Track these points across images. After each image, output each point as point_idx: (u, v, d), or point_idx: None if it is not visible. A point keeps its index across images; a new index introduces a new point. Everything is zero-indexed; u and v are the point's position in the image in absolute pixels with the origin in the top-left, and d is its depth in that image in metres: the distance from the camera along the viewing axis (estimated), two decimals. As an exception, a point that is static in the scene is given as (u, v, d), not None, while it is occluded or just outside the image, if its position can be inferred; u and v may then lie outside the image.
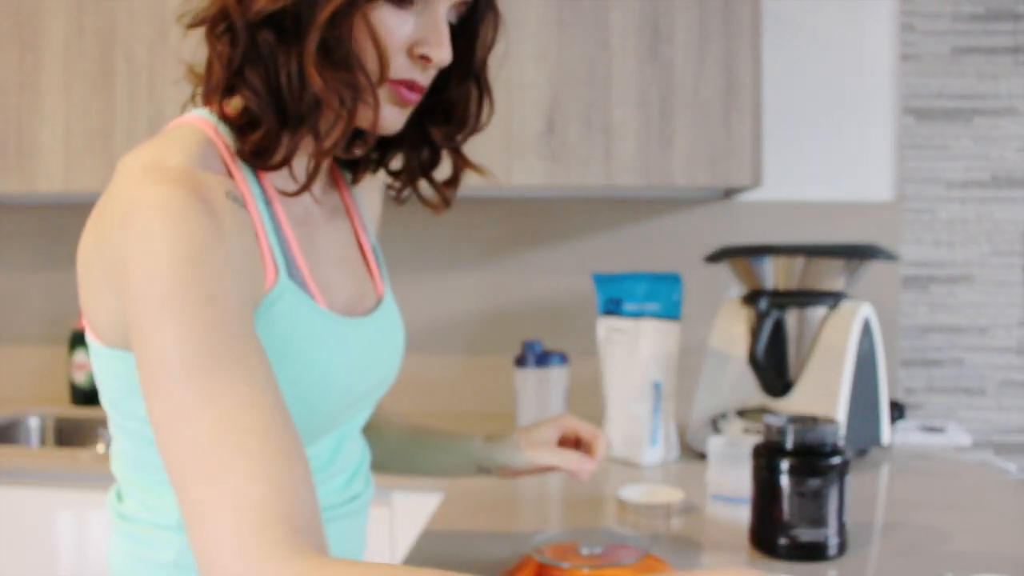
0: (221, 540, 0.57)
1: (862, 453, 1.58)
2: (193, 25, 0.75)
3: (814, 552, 1.00)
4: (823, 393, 1.51)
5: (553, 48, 1.76)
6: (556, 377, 1.64)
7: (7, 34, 1.92)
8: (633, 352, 1.59)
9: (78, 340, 2.18)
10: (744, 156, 1.75)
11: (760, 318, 1.56)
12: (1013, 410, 2.02)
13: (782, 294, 1.59)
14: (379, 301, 0.89)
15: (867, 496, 1.37)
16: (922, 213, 2.02)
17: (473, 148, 1.83)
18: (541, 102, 1.77)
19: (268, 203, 0.76)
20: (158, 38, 1.87)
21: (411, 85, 0.76)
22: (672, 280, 1.60)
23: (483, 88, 0.85)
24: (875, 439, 1.59)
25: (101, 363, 0.76)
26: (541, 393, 1.63)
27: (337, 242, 0.86)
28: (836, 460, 1.00)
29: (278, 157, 0.73)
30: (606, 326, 1.64)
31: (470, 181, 1.87)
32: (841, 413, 1.49)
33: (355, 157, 0.88)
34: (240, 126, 0.74)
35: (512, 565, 0.91)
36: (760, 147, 1.81)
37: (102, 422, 2.10)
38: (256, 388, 0.62)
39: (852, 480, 1.44)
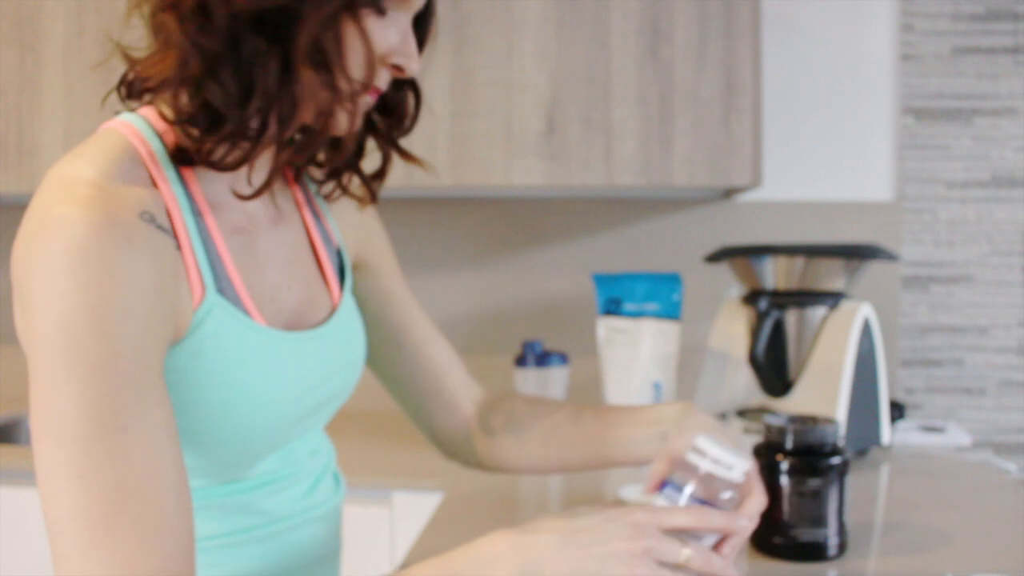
0: None
1: (862, 453, 1.58)
2: (164, 8, 0.70)
3: (814, 552, 1.00)
4: (823, 393, 1.51)
5: (553, 48, 1.76)
6: (556, 377, 1.64)
7: (7, 34, 1.92)
8: (633, 352, 1.59)
9: (78, 340, 2.18)
10: (744, 156, 1.75)
11: (760, 318, 1.56)
12: (1013, 410, 2.01)
13: (782, 294, 1.60)
14: (333, 310, 0.84)
15: (867, 496, 1.37)
16: (922, 213, 2.02)
17: (474, 148, 1.84)
18: (541, 102, 1.77)
19: (197, 214, 0.70)
20: (158, 38, 1.87)
21: (376, 91, 0.75)
22: (672, 280, 1.60)
23: (418, 92, 0.83)
24: (875, 439, 1.59)
25: None
26: (541, 393, 1.63)
27: (284, 246, 0.80)
28: (836, 460, 0.99)
29: (233, 159, 0.69)
30: (606, 326, 1.64)
31: (468, 181, 1.88)
32: (841, 413, 1.49)
33: (317, 164, 0.85)
34: (192, 125, 0.68)
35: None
36: (760, 147, 1.81)
37: (102, 422, 2.10)
38: (155, 452, 0.60)
39: (852, 480, 1.44)
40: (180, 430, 0.68)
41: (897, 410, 1.74)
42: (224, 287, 0.71)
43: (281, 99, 0.67)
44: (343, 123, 0.73)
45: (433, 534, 1.16)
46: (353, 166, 0.84)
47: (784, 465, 0.99)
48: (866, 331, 1.56)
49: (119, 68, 0.78)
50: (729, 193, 2.01)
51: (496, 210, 2.11)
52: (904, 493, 1.39)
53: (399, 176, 1.94)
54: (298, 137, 0.73)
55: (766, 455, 1.01)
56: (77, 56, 1.90)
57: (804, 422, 1.02)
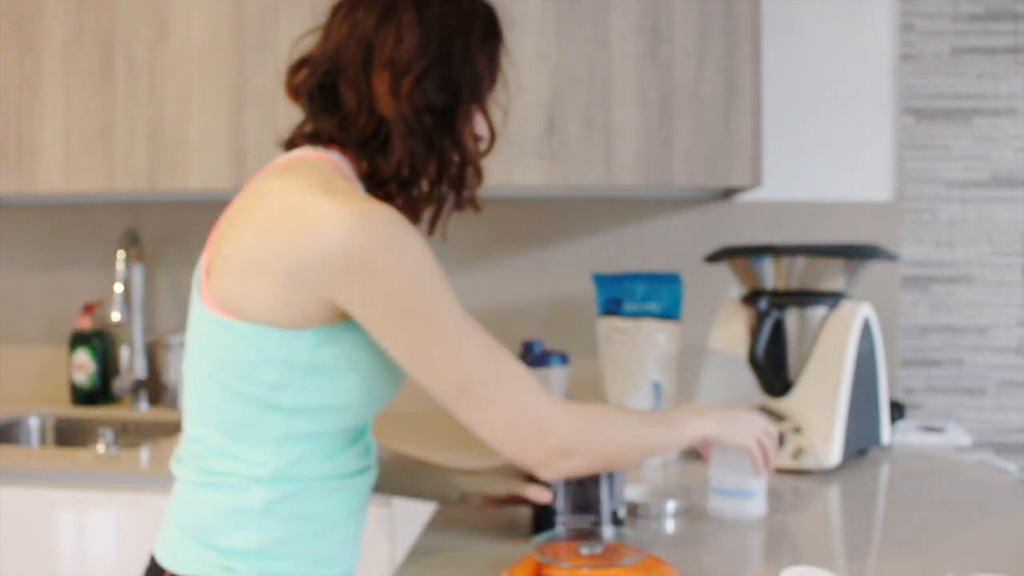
0: (538, 403, 0.93)
1: (862, 453, 1.58)
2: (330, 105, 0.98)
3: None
4: (823, 393, 1.51)
5: (553, 48, 1.76)
6: (556, 377, 1.64)
7: (7, 34, 1.92)
8: (633, 352, 1.59)
9: (78, 340, 2.18)
10: (744, 156, 1.75)
11: (760, 318, 1.56)
12: (1013, 410, 2.02)
13: (782, 294, 1.59)
14: None
15: (867, 496, 1.37)
16: (922, 213, 2.02)
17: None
18: (541, 102, 1.77)
19: None
20: (158, 38, 1.87)
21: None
22: (672, 280, 1.60)
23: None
24: (875, 439, 1.59)
25: (233, 337, 0.89)
26: (541, 393, 1.63)
27: None
28: None
29: (414, 211, 1.07)
30: (606, 326, 1.64)
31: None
32: (841, 413, 1.49)
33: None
34: (389, 182, 0.99)
35: (512, 565, 0.91)
36: (760, 147, 1.81)
37: (102, 422, 2.10)
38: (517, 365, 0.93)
39: (852, 480, 1.44)
40: (372, 375, 0.93)
41: (897, 410, 1.74)
42: None
43: (451, 168, 1.04)
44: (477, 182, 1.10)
45: (433, 534, 1.16)
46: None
47: None
48: (866, 331, 1.56)
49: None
50: (729, 193, 2.01)
51: (496, 210, 2.11)
52: (904, 493, 1.39)
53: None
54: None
55: None
56: (77, 56, 1.90)
57: None
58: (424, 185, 1.02)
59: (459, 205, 1.11)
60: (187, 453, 0.98)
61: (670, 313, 1.59)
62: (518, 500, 1.13)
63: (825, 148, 2.03)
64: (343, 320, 0.90)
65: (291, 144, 1.01)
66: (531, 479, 1.11)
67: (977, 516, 1.24)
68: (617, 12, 1.75)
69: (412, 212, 1.04)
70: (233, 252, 0.91)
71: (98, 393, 2.19)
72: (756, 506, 1.18)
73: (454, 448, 1.72)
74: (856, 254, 1.57)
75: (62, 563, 1.65)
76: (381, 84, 0.94)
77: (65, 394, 2.24)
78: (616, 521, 1.09)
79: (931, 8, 2.00)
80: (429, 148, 0.97)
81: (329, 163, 0.94)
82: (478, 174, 1.06)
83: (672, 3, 1.74)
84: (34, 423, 2.13)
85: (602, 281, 1.67)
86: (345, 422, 0.95)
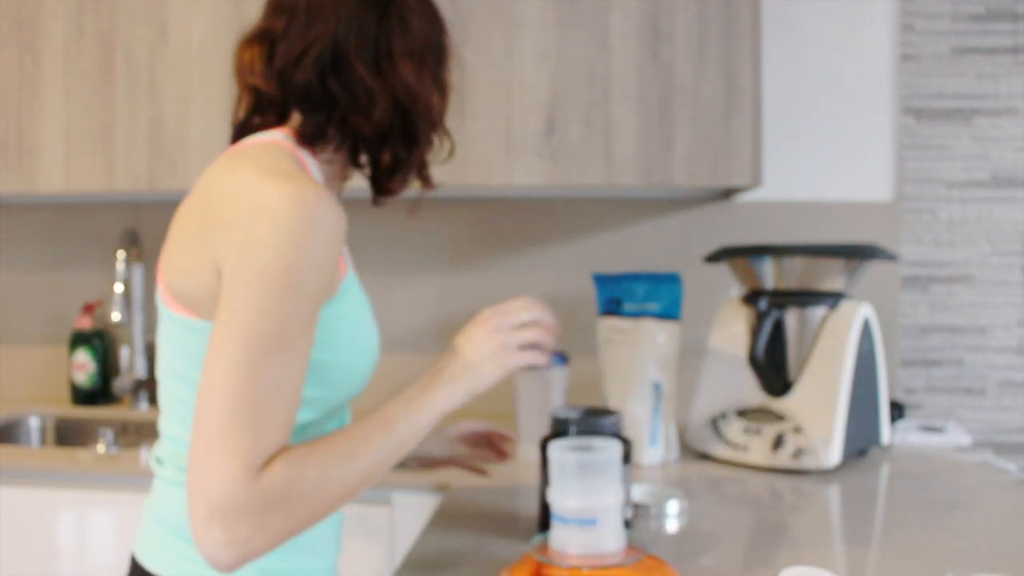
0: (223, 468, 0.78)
1: (862, 453, 1.58)
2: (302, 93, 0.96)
3: None
4: (823, 393, 1.51)
5: (553, 48, 1.76)
6: (556, 377, 1.64)
7: (7, 34, 1.92)
8: (633, 352, 1.59)
9: (78, 340, 2.18)
10: (744, 156, 1.75)
11: (760, 318, 1.56)
12: (1013, 410, 2.02)
13: (782, 294, 1.60)
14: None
15: (867, 496, 1.37)
16: (922, 213, 2.02)
17: (474, 147, 1.84)
18: (541, 102, 1.77)
19: None
20: (158, 38, 1.87)
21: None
22: (672, 280, 1.60)
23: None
24: (875, 439, 1.59)
25: (194, 335, 0.89)
26: (541, 393, 1.63)
27: None
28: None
29: (396, 186, 1.04)
30: (606, 326, 1.64)
31: (468, 181, 1.87)
32: (841, 413, 1.49)
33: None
34: (378, 168, 1.01)
35: (512, 565, 0.90)
36: (760, 147, 1.81)
37: (102, 422, 2.10)
38: (298, 370, 0.82)
39: (852, 480, 1.44)
40: (327, 365, 0.91)
41: (897, 410, 1.74)
42: (349, 263, 0.96)
43: (410, 140, 1.00)
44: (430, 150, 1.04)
45: (433, 534, 1.16)
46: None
47: None
48: (866, 331, 1.56)
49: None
50: (729, 193, 2.01)
51: (496, 210, 2.11)
52: (904, 493, 1.39)
53: (399, 176, 1.93)
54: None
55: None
56: (77, 56, 1.90)
57: (589, 414, 1.13)
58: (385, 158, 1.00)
59: (423, 177, 1.06)
60: (165, 451, 0.97)
61: (670, 313, 1.59)
62: (460, 464, 1.19)
63: (825, 148, 2.03)
64: None
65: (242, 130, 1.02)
66: (485, 445, 1.16)
67: (977, 516, 1.24)
68: (617, 12, 1.75)
69: (381, 185, 1.04)
70: (179, 248, 0.90)
71: (98, 393, 2.19)
72: (605, 538, 0.86)
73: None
74: (856, 254, 1.57)
75: (62, 563, 1.65)
76: (362, 67, 0.95)
77: (65, 394, 2.24)
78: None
79: (931, 8, 2.00)
80: (393, 126, 0.97)
81: (282, 148, 0.92)
82: (426, 147, 1.01)
83: (672, 3, 1.74)
84: (34, 423, 2.13)
85: (602, 281, 1.67)
86: (312, 414, 0.94)
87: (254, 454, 0.78)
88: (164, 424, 0.98)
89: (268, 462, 0.79)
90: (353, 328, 0.94)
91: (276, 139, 0.93)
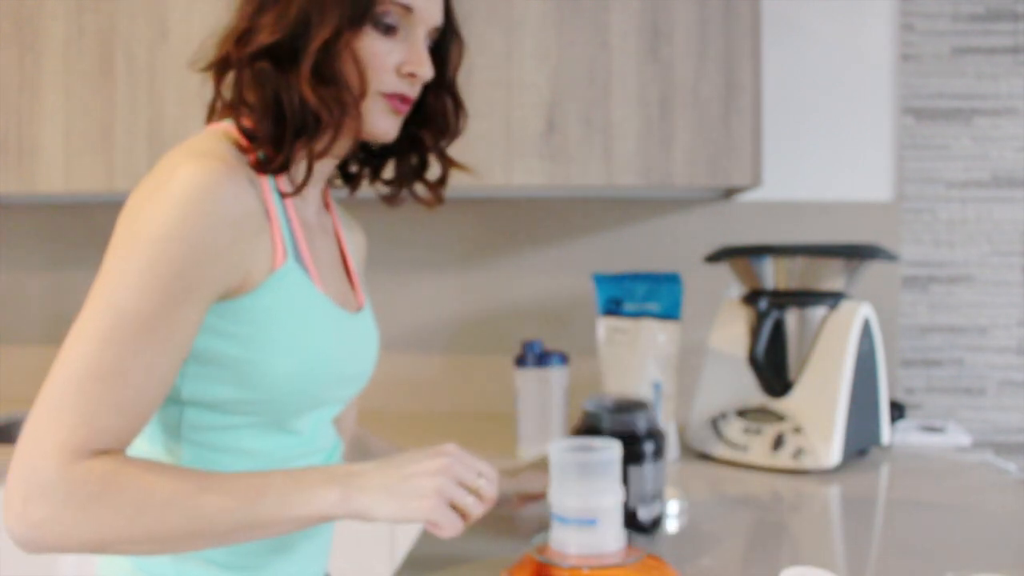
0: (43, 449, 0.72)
1: (862, 453, 1.58)
2: (204, 69, 0.90)
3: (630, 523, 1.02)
4: (823, 393, 1.51)
5: (553, 48, 1.76)
6: (556, 377, 1.64)
7: (7, 34, 1.92)
8: (633, 352, 1.59)
9: (78, 340, 2.18)
10: (744, 156, 1.75)
11: (760, 318, 1.56)
12: (1013, 410, 2.02)
13: (782, 294, 1.60)
14: (360, 308, 1.01)
15: (867, 496, 1.37)
16: (922, 213, 2.02)
17: (474, 148, 1.84)
18: (541, 102, 1.77)
19: (281, 197, 0.88)
20: (158, 38, 1.87)
21: (402, 98, 0.91)
22: (672, 280, 1.60)
23: (457, 100, 1.01)
24: (875, 439, 1.59)
25: None
26: (541, 393, 1.63)
27: (327, 253, 0.98)
28: (650, 446, 1.05)
29: (276, 164, 0.86)
30: (606, 326, 1.64)
31: (469, 181, 1.88)
32: (841, 413, 1.49)
33: (350, 172, 1.04)
34: (250, 138, 0.86)
35: (512, 565, 0.90)
36: (760, 147, 1.81)
37: (102, 422, 2.10)
38: (162, 357, 0.76)
39: (852, 480, 1.44)
40: (250, 363, 0.82)
41: (897, 410, 1.74)
42: (300, 259, 0.88)
43: (302, 113, 0.85)
44: (352, 127, 0.90)
45: (433, 534, 1.16)
46: (419, 175, 1.02)
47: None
48: (866, 331, 1.56)
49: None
50: (729, 193, 2.01)
51: (496, 210, 2.11)
52: (904, 493, 1.39)
53: (399, 176, 1.93)
54: (322, 140, 0.87)
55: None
56: (77, 56, 1.90)
57: (620, 409, 1.07)
58: (319, 141, 0.87)
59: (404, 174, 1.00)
60: None
61: (670, 313, 1.59)
62: (533, 496, 1.10)
63: (825, 148, 2.03)
64: (217, 303, 0.81)
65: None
66: None
67: (977, 516, 1.24)
68: (617, 12, 1.75)
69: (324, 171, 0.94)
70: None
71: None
72: (605, 538, 0.85)
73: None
74: (856, 254, 1.57)
75: (62, 563, 1.65)
76: (227, 29, 0.89)
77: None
78: (637, 525, 1.04)
79: (931, 8, 2.00)
80: (268, 98, 0.85)
81: (224, 132, 0.87)
82: (318, 122, 0.86)
83: (672, 3, 1.74)
84: (34, 423, 2.13)
85: (602, 281, 1.67)
86: (237, 419, 0.86)
87: (77, 434, 0.72)
88: None
89: (96, 455, 0.73)
90: (280, 325, 0.83)
91: (227, 124, 0.89)
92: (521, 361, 1.65)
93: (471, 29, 1.78)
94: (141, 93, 1.88)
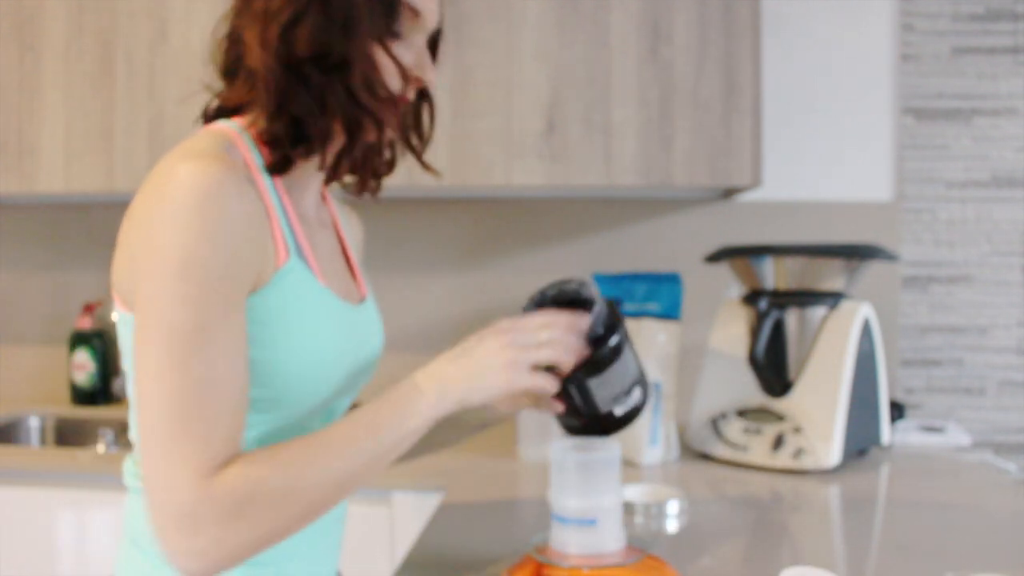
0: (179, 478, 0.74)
1: (862, 453, 1.58)
2: (224, 74, 0.91)
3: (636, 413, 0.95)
4: (823, 393, 1.51)
5: (553, 48, 1.76)
6: (556, 377, 1.63)
7: (7, 34, 1.92)
8: (633, 352, 1.59)
9: (78, 340, 2.18)
10: (744, 156, 1.75)
11: (760, 318, 1.56)
12: (1013, 410, 2.02)
13: (782, 294, 1.60)
14: (362, 299, 1.02)
15: (867, 496, 1.37)
16: (922, 213, 2.02)
17: (474, 147, 1.84)
18: (541, 102, 1.77)
19: (278, 193, 0.87)
20: (158, 38, 1.87)
21: (406, 101, 0.92)
22: (672, 280, 1.60)
23: (431, 101, 1.00)
24: (875, 439, 1.59)
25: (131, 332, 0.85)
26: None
27: (327, 246, 0.98)
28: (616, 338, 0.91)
29: (293, 164, 0.87)
30: (606, 326, 1.64)
31: (468, 181, 1.87)
32: (841, 413, 1.49)
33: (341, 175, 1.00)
34: (279, 139, 0.86)
35: (512, 565, 0.91)
36: (760, 147, 1.81)
37: (102, 422, 2.10)
38: (231, 360, 0.77)
39: (852, 480, 1.44)
40: (263, 363, 0.82)
41: (897, 410, 1.74)
42: (301, 255, 0.87)
43: (350, 117, 0.86)
44: (392, 128, 0.90)
45: (433, 534, 1.16)
46: (387, 170, 1.01)
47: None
48: (866, 331, 1.56)
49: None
50: (729, 193, 2.01)
51: (496, 210, 2.11)
52: (904, 493, 1.39)
53: (400, 175, 1.93)
54: (369, 141, 0.89)
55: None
56: (77, 56, 1.90)
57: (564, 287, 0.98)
58: (336, 145, 0.88)
59: (373, 168, 0.98)
60: (130, 460, 0.94)
61: (670, 313, 1.59)
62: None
63: (825, 148, 2.03)
64: None
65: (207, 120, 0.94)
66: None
67: (977, 516, 1.24)
68: (617, 12, 1.75)
69: (337, 174, 0.92)
70: (119, 243, 0.86)
71: (98, 393, 2.19)
72: (605, 538, 0.86)
73: (456, 449, 1.73)
74: (856, 254, 1.57)
75: (62, 563, 1.65)
76: (251, 36, 0.85)
77: (65, 394, 2.24)
78: (601, 422, 0.93)
79: (931, 8, 2.00)
80: (312, 103, 0.85)
81: (220, 132, 0.86)
82: (377, 125, 0.87)
83: (672, 3, 1.74)
84: (34, 423, 2.13)
85: (602, 281, 1.67)
86: (261, 418, 0.86)
87: (203, 458, 0.74)
88: (131, 431, 0.92)
89: (225, 465, 0.75)
90: (287, 322, 0.84)
91: (222, 124, 0.88)
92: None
93: (471, 29, 1.78)
94: (141, 93, 1.88)
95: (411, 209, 2.13)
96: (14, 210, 2.29)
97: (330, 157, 0.89)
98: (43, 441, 2.14)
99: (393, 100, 0.88)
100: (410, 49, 0.90)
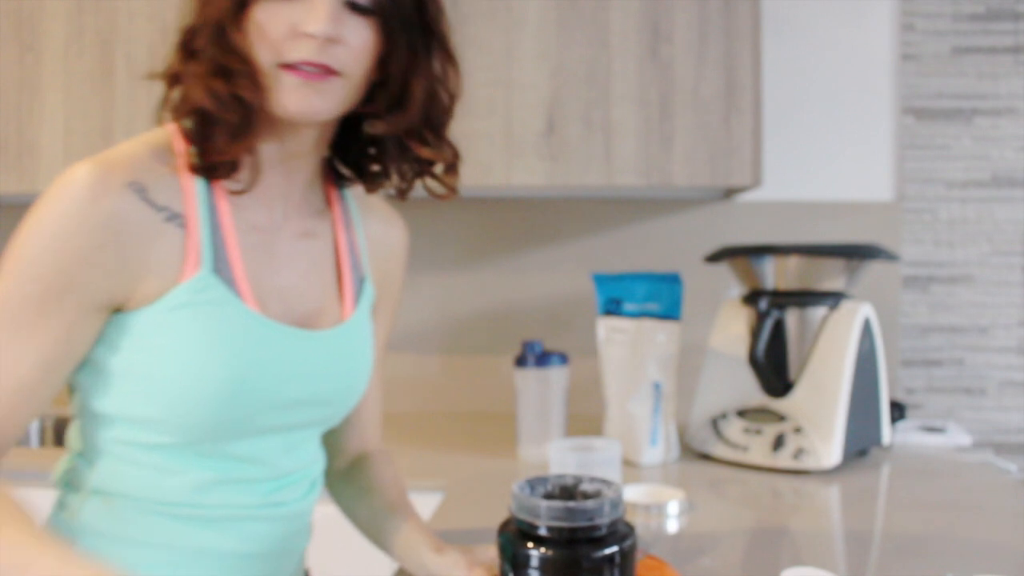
0: None
1: (862, 453, 1.58)
2: (158, 77, 0.84)
3: None
4: (823, 393, 1.51)
5: (553, 48, 1.76)
6: (556, 377, 1.64)
7: (7, 34, 1.92)
8: (633, 352, 1.59)
9: (78, 340, 2.18)
10: (744, 156, 1.75)
11: (760, 318, 1.56)
12: (1013, 410, 2.01)
13: (782, 294, 1.59)
14: (341, 322, 0.91)
15: (867, 496, 1.37)
16: (922, 213, 2.02)
17: (474, 148, 1.84)
18: (541, 102, 1.77)
19: (212, 205, 0.81)
20: (158, 38, 1.87)
21: (313, 65, 0.78)
22: (672, 280, 1.60)
23: (428, 75, 0.90)
24: (875, 439, 1.59)
25: None
26: (541, 393, 1.63)
27: (306, 258, 0.90)
28: (611, 549, 0.68)
29: (207, 165, 0.80)
30: (606, 326, 1.64)
31: (469, 181, 1.87)
32: (841, 413, 1.49)
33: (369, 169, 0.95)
34: (194, 138, 0.80)
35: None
36: (760, 147, 1.81)
37: (102, 422, 2.10)
38: (28, 361, 0.75)
39: (852, 480, 1.44)
40: (152, 380, 0.78)
41: (897, 410, 1.74)
42: (222, 270, 0.80)
43: (222, 103, 0.78)
44: (270, 101, 0.79)
45: (433, 534, 1.15)
46: (426, 170, 0.97)
47: (535, 558, 0.68)
48: (866, 331, 1.56)
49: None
50: (729, 193, 2.01)
51: (496, 210, 2.11)
52: (904, 493, 1.39)
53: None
54: (240, 126, 0.80)
55: (514, 544, 0.70)
56: (77, 56, 1.90)
57: (571, 493, 0.72)
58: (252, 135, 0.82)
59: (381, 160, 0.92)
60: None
61: (670, 313, 1.59)
62: None
63: (825, 148, 2.03)
64: (115, 314, 0.79)
65: None
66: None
67: (977, 516, 1.24)
68: (617, 12, 1.75)
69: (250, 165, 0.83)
70: None
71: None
72: None
73: (456, 448, 1.73)
74: (856, 254, 1.57)
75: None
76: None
77: (65, 394, 2.24)
78: None
79: (931, 8, 2.00)
80: (202, 91, 0.78)
81: (166, 133, 0.83)
82: (242, 97, 0.78)
83: (672, 3, 1.74)
84: (34, 423, 2.13)
85: (602, 281, 1.67)
86: (173, 437, 0.81)
87: None
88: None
89: None
90: (183, 341, 0.78)
91: (170, 127, 0.84)
92: (521, 361, 1.65)
93: (471, 29, 1.78)
94: (141, 93, 1.88)
95: (411, 209, 2.13)
96: (14, 210, 2.29)
97: (239, 147, 0.80)
98: (43, 441, 2.14)
99: (237, 83, 0.78)
100: (300, 4, 0.77)
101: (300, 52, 0.78)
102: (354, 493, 1.04)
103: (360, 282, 0.96)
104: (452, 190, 0.97)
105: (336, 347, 0.90)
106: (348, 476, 1.06)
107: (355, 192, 0.99)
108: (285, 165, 0.87)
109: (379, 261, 1.01)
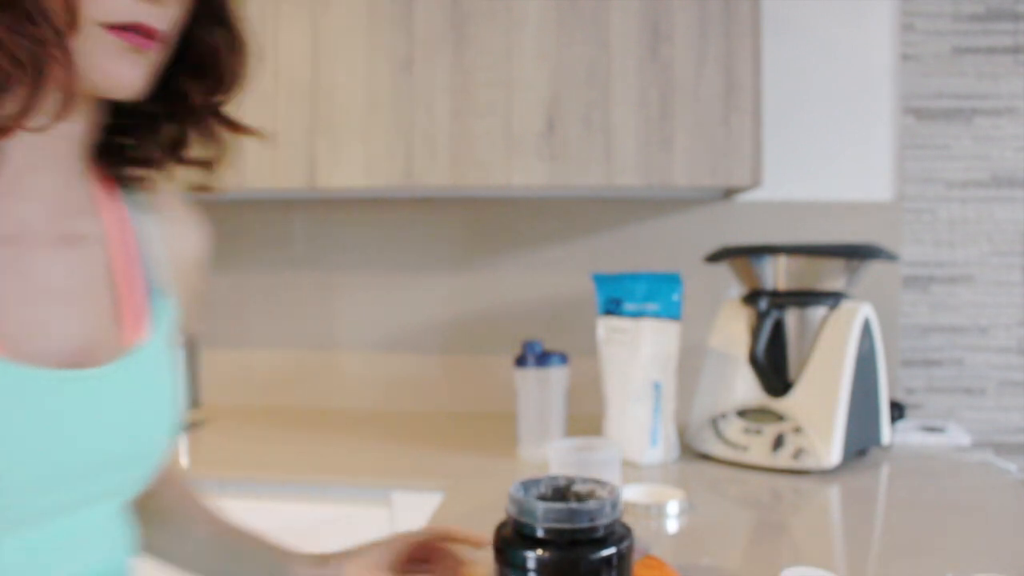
0: None
1: (862, 453, 1.58)
2: None
3: None
4: (823, 393, 1.51)
5: (553, 48, 1.76)
6: (556, 377, 1.64)
7: (7, 34, 1.92)
8: (633, 352, 1.59)
9: (78, 340, 2.18)
10: (744, 156, 1.75)
11: (760, 318, 1.56)
12: (1013, 410, 2.01)
13: (782, 294, 1.59)
14: (125, 352, 0.68)
15: (867, 496, 1.37)
16: (922, 213, 2.02)
17: (474, 147, 1.84)
18: (541, 102, 1.77)
19: None
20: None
21: (142, 30, 0.61)
22: (672, 280, 1.60)
23: (233, 32, 0.71)
24: (875, 439, 1.59)
25: None
26: (541, 393, 1.63)
27: (67, 273, 0.67)
28: (608, 551, 0.65)
29: None
30: (606, 326, 1.64)
31: (468, 181, 1.87)
32: (841, 413, 1.49)
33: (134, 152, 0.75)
34: None
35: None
36: (760, 147, 1.81)
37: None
38: None
39: (852, 480, 1.44)
40: None
41: (897, 410, 1.74)
42: None
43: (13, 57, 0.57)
44: (59, 76, 0.60)
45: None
46: (174, 153, 0.75)
47: (532, 560, 0.65)
48: (866, 331, 1.56)
49: None
50: (729, 193, 2.01)
51: (496, 210, 2.11)
52: (904, 493, 1.39)
53: (399, 175, 1.93)
54: (23, 100, 0.59)
55: (511, 546, 0.66)
56: (77, 56, 1.90)
57: (564, 493, 0.69)
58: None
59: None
60: None
61: (670, 313, 1.59)
62: None
63: (825, 148, 2.03)
64: None
65: None
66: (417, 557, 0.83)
67: (977, 516, 1.24)
68: (617, 12, 1.75)
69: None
70: None
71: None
72: None
73: (456, 448, 1.73)
74: (856, 254, 1.57)
75: None
76: None
77: None
78: None
79: (931, 8, 2.00)
80: None
81: None
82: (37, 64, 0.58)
83: (672, 3, 1.74)
84: None
85: (602, 281, 1.67)
86: None
87: None
88: None
89: None
90: None
91: None
92: (521, 361, 1.65)
93: (471, 29, 1.78)
94: (141, 93, 1.88)
95: (410, 209, 2.13)
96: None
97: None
98: None
99: (37, 33, 0.57)
100: None
101: (135, 13, 0.61)
102: (167, 528, 0.86)
103: (152, 297, 0.73)
104: (213, 184, 0.77)
105: (119, 387, 0.66)
106: (149, 510, 0.85)
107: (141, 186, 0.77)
108: (44, 151, 0.65)
109: (182, 273, 0.79)
